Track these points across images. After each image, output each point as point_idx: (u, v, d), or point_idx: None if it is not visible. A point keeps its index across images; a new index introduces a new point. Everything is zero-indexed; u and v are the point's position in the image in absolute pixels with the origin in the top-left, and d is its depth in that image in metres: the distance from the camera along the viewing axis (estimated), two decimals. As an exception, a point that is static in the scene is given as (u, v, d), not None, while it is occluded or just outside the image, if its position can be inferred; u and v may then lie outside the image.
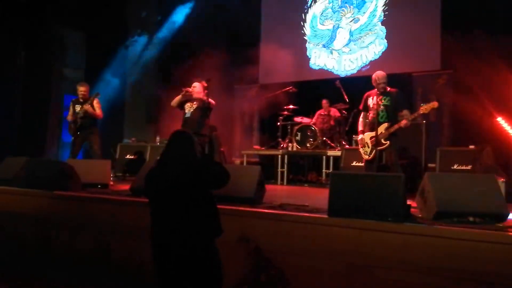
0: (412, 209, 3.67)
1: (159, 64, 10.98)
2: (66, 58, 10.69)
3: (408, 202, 3.58)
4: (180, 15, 10.70)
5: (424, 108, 5.08)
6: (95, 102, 6.65)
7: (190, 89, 5.91)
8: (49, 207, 4.82)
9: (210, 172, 2.81)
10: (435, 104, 5.06)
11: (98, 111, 6.68)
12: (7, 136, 9.20)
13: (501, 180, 4.53)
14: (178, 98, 5.91)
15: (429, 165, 6.49)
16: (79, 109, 6.70)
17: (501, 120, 6.54)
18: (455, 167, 6.15)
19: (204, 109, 5.79)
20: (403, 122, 5.07)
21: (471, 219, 3.35)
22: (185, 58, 9.39)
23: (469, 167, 6.03)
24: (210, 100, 5.78)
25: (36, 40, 9.73)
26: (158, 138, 8.96)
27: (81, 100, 6.75)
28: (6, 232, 5.00)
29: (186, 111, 5.87)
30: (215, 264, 2.77)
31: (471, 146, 6.28)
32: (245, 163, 8.46)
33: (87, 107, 6.56)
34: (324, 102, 8.41)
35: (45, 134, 9.79)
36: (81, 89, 6.79)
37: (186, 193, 2.70)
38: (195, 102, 5.86)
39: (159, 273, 2.73)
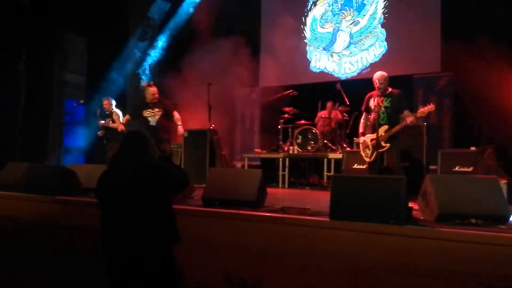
0: (414, 212, 3.67)
1: (160, 68, 11.00)
2: (67, 63, 10.72)
3: (410, 204, 3.58)
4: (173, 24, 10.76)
5: (421, 112, 5.07)
6: (115, 116, 7.23)
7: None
8: (51, 212, 4.82)
9: (166, 177, 2.64)
10: (432, 107, 5.06)
11: (118, 123, 7.01)
12: (9, 141, 9.21)
13: (503, 182, 4.52)
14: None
15: (431, 167, 6.49)
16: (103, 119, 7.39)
17: None
18: (456, 169, 6.14)
19: (167, 114, 6.11)
20: (409, 120, 5.07)
21: (473, 221, 3.35)
22: (186, 64, 9.41)
23: (470, 169, 6.02)
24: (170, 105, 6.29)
25: (37, 45, 9.77)
26: None
27: (106, 112, 7.41)
28: (8, 237, 5.00)
29: (150, 119, 6.02)
30: (171, 273, 2.60)
31: (473, 148, 6.26)
32: (246, 167, 8.48)
33: (107, 123, 7.25)
34: (329, 104, 8.38)
35: (47, 139, 9.80)
36: (104, 103, 7.45)
37: (139, 198, 2.53)
38: (156, 109, 6.03)
39: (111, 283, 2.57)
